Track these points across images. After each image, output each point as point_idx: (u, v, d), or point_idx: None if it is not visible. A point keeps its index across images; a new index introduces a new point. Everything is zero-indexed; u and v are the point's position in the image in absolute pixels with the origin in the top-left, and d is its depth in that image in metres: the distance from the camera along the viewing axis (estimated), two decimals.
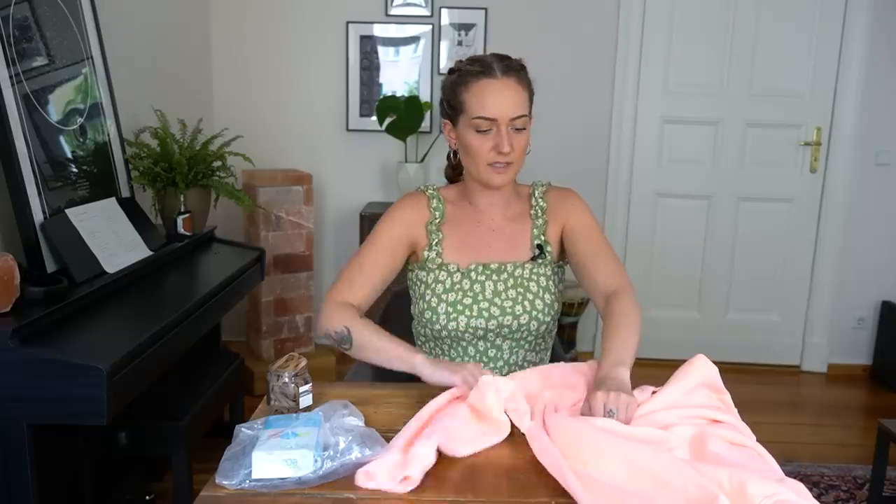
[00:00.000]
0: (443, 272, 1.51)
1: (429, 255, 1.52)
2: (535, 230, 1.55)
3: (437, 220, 1.53)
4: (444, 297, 1.49)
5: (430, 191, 1.57)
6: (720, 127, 3.55)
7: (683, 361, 1.28)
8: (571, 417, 1.16)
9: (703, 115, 3.54)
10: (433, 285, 1.51)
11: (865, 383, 3.60)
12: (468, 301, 1.49)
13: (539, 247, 1.53)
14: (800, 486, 0.96)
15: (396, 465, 1.06)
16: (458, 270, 1.51)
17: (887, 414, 2.97)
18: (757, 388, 3.47)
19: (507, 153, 1.42)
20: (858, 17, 3.37)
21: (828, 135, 3.51)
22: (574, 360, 3.50)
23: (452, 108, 1.48)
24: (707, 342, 3.61)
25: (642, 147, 3.57)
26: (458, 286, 1.50)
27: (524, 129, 1.45)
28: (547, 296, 1.52)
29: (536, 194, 1.58)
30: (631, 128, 3.54)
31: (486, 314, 1.48)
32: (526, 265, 1.52)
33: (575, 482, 0.99)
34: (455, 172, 1.62)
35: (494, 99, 1.41)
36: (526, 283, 1.51)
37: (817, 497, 2.38)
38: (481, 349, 1.53)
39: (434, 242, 1.52)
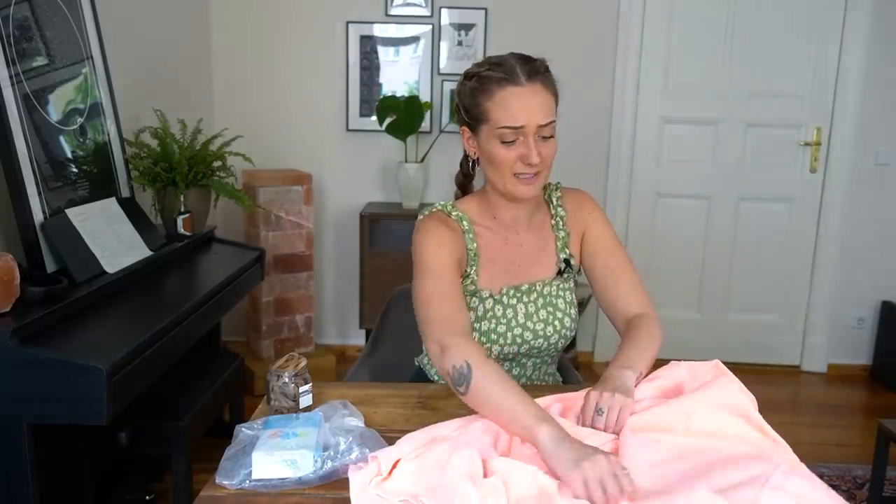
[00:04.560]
0: (475, 299, 1.43)
1: (462, 282, 1.42)
2: (559, 243, 1.48)
3: (474, 246, 1.43)
4: (476, 325, 1.42)
5: (454, 213, 1.44)
6: (720, 127, 3.55)
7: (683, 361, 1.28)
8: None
9: (703, 115, 3.53)
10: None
11: (865, 383, 3.60)
12: (502, 329, 1.42)
13: (566, 261, 1.48)
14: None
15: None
16: (491, 296, 1.43)
17: (887, 414, 2.97)
18: (757, 388, 3.41)
19: (535, 164, 1.32)
20: (858, 17, 3.36)
21: (828, 135, 3.51)
22: (574, 359, 3.50)
23: (473, 117, 1.37)
24: (707, 342, 3.62)
25: (642, 147, 3.57)
26: (490, 313, 1.43)
27: (552, 136, 1.35)
28: (572, 310, 1.48)
29: (554, 201, 1.51)
30: (631, 128, 3.54)
31: (518, 340, 1.43)
32: (553, 282, 1.47)
33: None
34: (467, 180, 1.53)
35: (520, 106, 1.30)
36: (554, 301, 1.46)
37: None
38: (506, 369, 1.47)
39: (472, 271, 1.42)
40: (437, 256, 1.35)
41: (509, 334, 1.43)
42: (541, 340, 1.45)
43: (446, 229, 1.40)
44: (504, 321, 1.43)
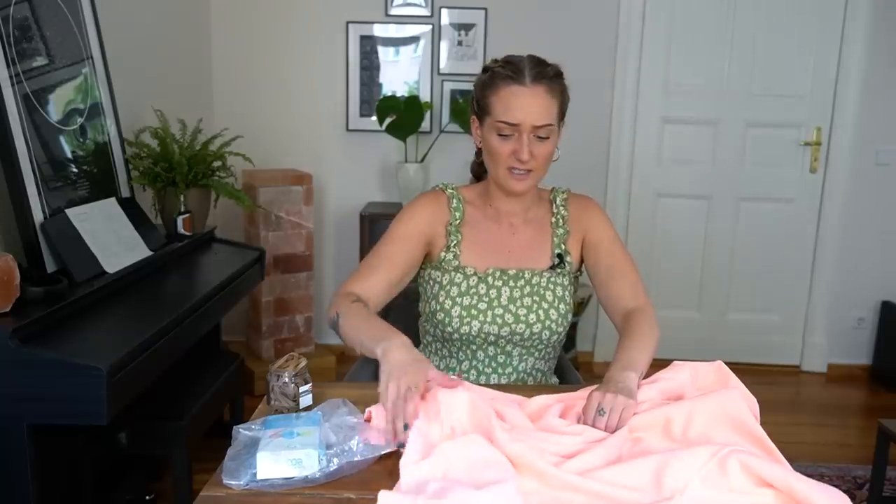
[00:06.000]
0: (459, 274, 1.49)
1: (445, 257, 1.50)
2: (555, 239, 1.53)
3: (457, 222, 1.51)
4: (458, 300, 1.47)
5: (449, 190, 1.54)
6: (720, 127, 3.55)
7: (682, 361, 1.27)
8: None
9: (703, 115, 3.53)
10: (448, 287, 1.49)
11: (865, 383, 3.60)
12: (483, 306, 1.47)
13: (559, 256, 1.52)
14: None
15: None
16: (476, 274, 1.48)
17: (887, 414, 2.97)
18: (757, 388, 3.40)
19: (525, 161, 1.39)
20: (858, 17, 3.37)
21: (828, 135, 3.51)
22: (574, 360, 3.50)
23: (480, 108, 1.46)
24: (707, 342, 3.62)
25: (642, 147, 3.57)
26: (473, 290, 1.48)
27: (548, 138, 1.41)
28: (562, 306, 1.50)
29: (558, 201, 1.56)
30: (631, 128, 3.54)
31: (499, 320, 1.47)
32: (544, 273, 1.50)
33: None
34: (481, 169, 1.59)
35: (519, 105, 1.38)
36: (542, 292, 1.49)
37: None
38: (491, 354, 1.52)
39: (452, 244, 1.50)
40: (402, 226, 1.51)
41: (490, 313, 1.47)
42: (522, 326, 1.48)
43: (431, 201, 1.53)
44: (486, 300, 1.48)
